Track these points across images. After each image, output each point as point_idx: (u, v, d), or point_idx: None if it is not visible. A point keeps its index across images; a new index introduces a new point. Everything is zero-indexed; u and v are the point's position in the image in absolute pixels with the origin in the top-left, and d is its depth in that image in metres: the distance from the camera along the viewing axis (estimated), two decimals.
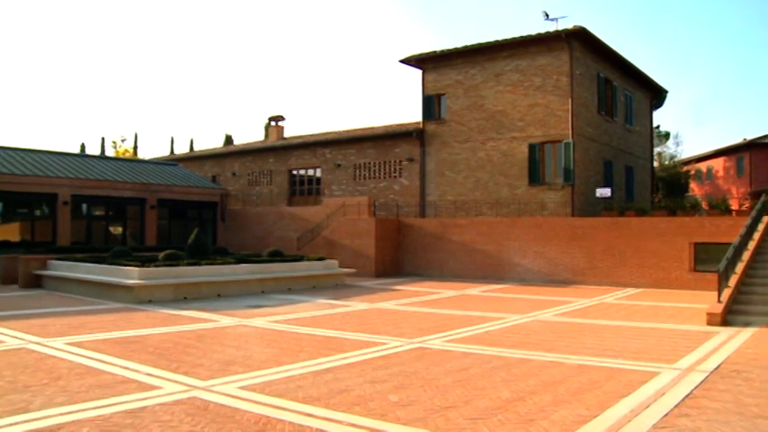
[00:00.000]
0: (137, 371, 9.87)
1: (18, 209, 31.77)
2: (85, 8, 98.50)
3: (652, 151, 41.15)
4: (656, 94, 39.41)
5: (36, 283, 23.55)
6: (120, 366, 10.16)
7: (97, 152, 60.39)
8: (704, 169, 53.85)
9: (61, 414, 7.46)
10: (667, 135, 57.79)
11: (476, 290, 24.17)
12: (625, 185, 34.12)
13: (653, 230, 24.95)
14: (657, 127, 53.54)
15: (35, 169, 31.05)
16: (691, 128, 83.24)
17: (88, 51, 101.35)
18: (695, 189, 54.27)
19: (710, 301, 16.57)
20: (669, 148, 57.68)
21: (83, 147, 62.53)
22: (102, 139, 64.53)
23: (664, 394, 8.58)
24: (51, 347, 11.76)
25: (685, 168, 53.50)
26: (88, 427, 6.97)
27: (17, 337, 12.76)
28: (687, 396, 8.49)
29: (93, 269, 21.48)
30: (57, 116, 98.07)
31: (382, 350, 11.87)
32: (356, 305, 19.39)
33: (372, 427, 7.10)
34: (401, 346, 12.39)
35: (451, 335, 13.79)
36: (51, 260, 23.80)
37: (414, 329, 14.55)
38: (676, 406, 7.99)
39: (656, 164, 48.90)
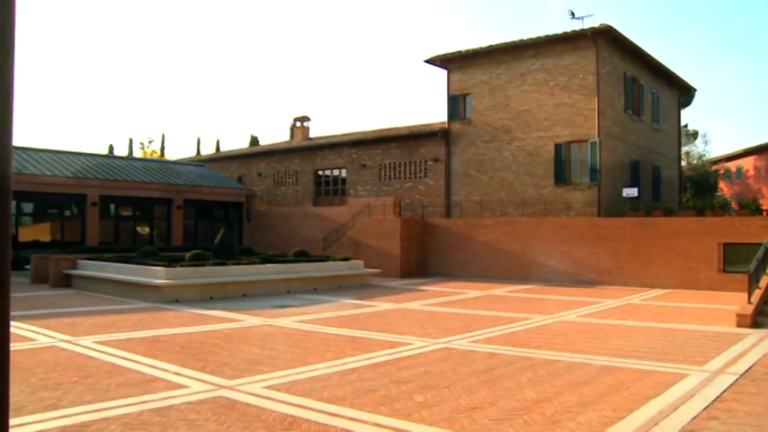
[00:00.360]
0: (164, 370, 9.97)
1: (48, 209, 32.29)
2: (113, 11, 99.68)
3: (680, 150, 40.67)
4: (684, 93, 38.94)
5: (66, 282, 23.87)
6: (148, 365, 10.27)
7: (125, 153, 61.08)
8: (733, 168, 53.09)
9: (90, 411, 7.56)
10: (695, 134, 57.01)
11: (501, 290, 24.08)
12: (652, 185, 33.75)
13: (681, 231, 24.67)
14: (685, 126, 52.87)
15: (64, 170, 31.51)
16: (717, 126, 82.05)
17: (116, 53, 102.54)
18: (724, 189, 53.54)
19: (740, 302, 16.33)
20: (697, 147, 56.92)
21: (111, 148, 63.26)
22: (130, 140, 65.14)
23: (692, 396, 8.47)
24: (81, 346, 11.93)
25: (714, 168, 52.78)
26: (116, 425, 7.05)
27: (48, 336, 12.96)
28: (716, 399, 8.38)
29: (121, 269, 21.74)
30: (85, 118, 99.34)
31: (408, 350, 11.87)
32: (382, 305, 19.41)
33: (398, 427, 7.10)
34: (426, 346, 12.38)
35: (477, 335, 13.75)
36: (80, 260, 24.10)
37: (439, 330, 14.53)
38: (705, 408, 7.89)
39: (683, 163, 48.30)
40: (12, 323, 1.78)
